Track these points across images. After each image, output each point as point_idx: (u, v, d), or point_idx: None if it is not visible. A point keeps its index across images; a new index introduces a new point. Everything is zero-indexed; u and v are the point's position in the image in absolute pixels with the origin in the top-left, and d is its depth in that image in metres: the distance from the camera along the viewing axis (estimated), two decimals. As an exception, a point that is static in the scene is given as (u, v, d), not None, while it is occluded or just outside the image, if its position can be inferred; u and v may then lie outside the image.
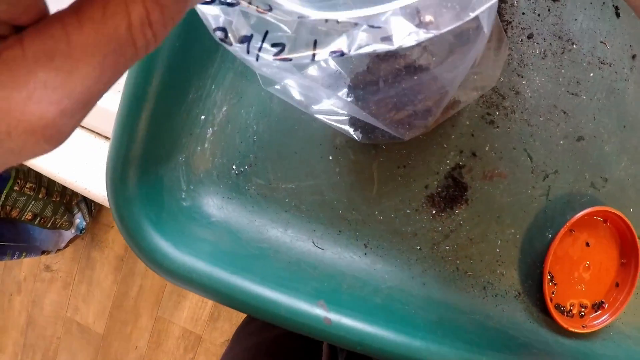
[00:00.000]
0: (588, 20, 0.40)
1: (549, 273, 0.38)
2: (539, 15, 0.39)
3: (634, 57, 0.43)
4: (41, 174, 0.78)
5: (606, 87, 0.40)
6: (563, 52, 0.38)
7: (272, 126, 0.35)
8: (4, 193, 0.69)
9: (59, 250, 0.88)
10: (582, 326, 0.39)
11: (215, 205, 0.35)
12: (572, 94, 0.38)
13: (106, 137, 0.49)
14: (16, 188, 0.71)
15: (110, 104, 0.37)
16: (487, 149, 0.36)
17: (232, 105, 0.35)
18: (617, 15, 0.43)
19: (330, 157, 0.35)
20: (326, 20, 0.19)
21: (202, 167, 0.35)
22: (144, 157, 0.32)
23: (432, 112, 0.30)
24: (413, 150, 0.35)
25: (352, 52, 0.19)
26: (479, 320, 0.34)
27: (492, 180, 0.36)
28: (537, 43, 0.38)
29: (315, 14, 0.19)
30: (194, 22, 0.31)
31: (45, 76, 0.10)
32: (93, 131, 0.47)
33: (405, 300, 0.33)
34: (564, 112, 0.38)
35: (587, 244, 0.39)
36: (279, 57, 0.20)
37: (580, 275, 0.39)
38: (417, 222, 0.35)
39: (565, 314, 0.39)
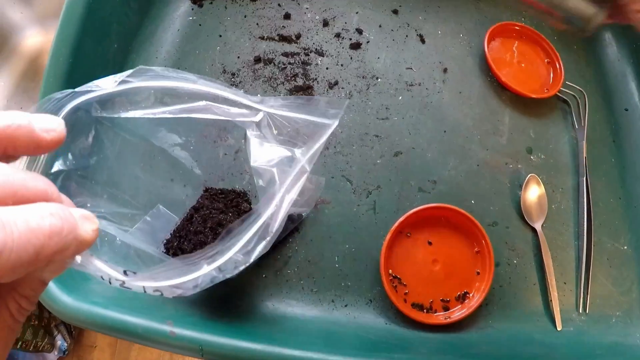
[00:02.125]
0: (392, 54, 0.57)
1: (396, 276, 0.50)
2: (342, 65, 0.57)
3: (445, 70, 0.59)
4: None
5: (418, 104, 0.56)
6: (368, 88, 0.55)
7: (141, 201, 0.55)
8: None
9: (44, 374, 1.08)
10: (445, 318, 0.49)
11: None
12: (382, 118, 0.54)
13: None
14: (-5, 314, 0.92)
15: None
16: (308, 181, 0.52)
17: (110, 191, 0.56)
18: (423, 41, 0.60)
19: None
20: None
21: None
22: None
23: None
24: (246, 196, 0.53)
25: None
26: (326, 327, 0.47)
27: (317, 208, 0.51)
28: (342, 87, 0.55)
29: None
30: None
31: None
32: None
33: (252, 319, 0.47)
34: (377, 136, 0.53)
35: (430, 243, 0.51)
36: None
37: (432, 272, 0.50)
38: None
39: (426, 310, 0.50)
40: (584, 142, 0.59)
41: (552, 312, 0.51)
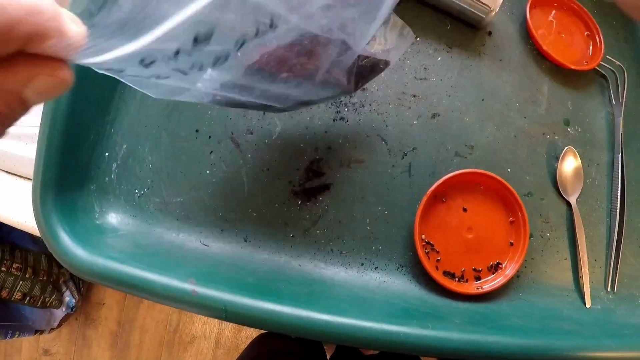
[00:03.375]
0: (432, 13, 0.53)
1: (429, 242, 0.47)
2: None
3: (489, 33, 0.54)
4: (27, 255, 0.99)
5: (457, 66, 0.51)
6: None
7: (162, 155, 0.50)
8: (-8, 275, 0.88)
9: (52, 329, 1.05)
10: (477, 288, 0.46)
11: (122, 222, 0.48)
12: (421, 78, 0.50)
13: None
14: (3, 269, 0.90)
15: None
16: (340, 141, 0.47)
17: (130, 143, 0.51)
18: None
19: (208, 172, 0.48)
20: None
21: (110, 194, 0.50)
22: (58, 186, 0.46)
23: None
24: (274, 154, 0.47)
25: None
26: (354, 292, 0.44)
27: (351, 167, 0.47)
28: (379, 44, 0.51)
29: None
30: (86, 83, 0.48)
31: None
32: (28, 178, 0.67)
33: (279, 279, 0.43)
34: (414, 96, 0.49)
35: (465, 209, 0.48)
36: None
37: (465, 240, 0.47)
38: (286, 213, 0.45)
39: (457, 279, 0.47)
40: (621, 118, 0.55)
41: (582, 289, 0.48)
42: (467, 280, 0.45)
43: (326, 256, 0.44)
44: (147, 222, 0.47)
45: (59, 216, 0.45)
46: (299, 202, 0.45)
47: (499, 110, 0.49)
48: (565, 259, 0.49)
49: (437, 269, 0.45)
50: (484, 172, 0.46)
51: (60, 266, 1.02)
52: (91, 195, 0.49)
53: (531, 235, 0.48)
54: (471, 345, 0.39)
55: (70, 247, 0.43)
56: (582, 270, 0.49)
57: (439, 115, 0.48)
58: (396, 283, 0.44)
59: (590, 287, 0.49)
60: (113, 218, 0.48)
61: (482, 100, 0.49)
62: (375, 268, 0.44)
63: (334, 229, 0.45)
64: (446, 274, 0.45)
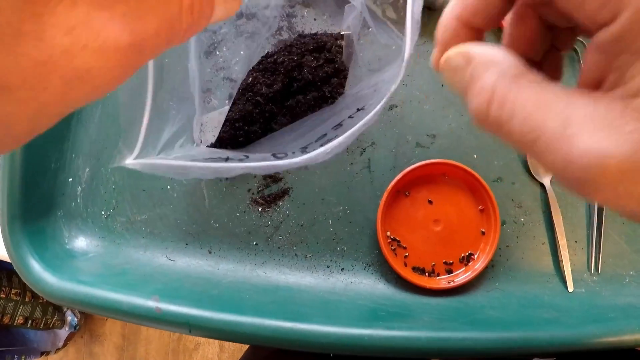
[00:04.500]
0: None
1: (395, 238, 0.46)
2: (328, 15, 0.52)
3: None
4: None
5: (413, 53, 0.50)
6: (359, 38, 0.50)
7: (125, 174, 0.50)
8: (-9, 302, 0.90)
9: (58, 349, 1.07)
10: (448, 282, 0.45)
11: (91, 244, 0.49)
12: (374, 70, 0.49)
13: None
14: (2, 295, 0.93)
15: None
16: (297, 142, 0.48)
17: (92, 165, 0.52)
18: None
19: (169, 187, 0.48)
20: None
21: (78, 217, 0.50)
22: (25, 216, 0.47)
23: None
24: (233, 161, 0.48)
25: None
26: (321, 296, 0.43)
27: (308, 169, 0.47)
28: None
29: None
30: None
31: (124, 9, 0.15)
32: None
33: (244, 289, 0.43)
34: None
35: (430, 202, 0.47)
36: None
37: (433, 234, 0.46)
38: (248, 221, 0.45)
39: (428, 274, 0.46)
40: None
41: (563, 273, 0.48)
42: (438, 275, 0.45)
43: (291, 261, 0.45)
44: (115, 242, 0.48)
45: (28, 245, 0.46)
46: (260, 210, 0.46)
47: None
48: (543, 244, 0.49)
49: (405, 265, 0.45)
50: (447, 161, 0.45)
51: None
52: (59, 221, 0.50)
53: (504, 222, 0.47)
54: (440, 343, 0.39)
55: (41, 274, 0.44)
56: (562, 253, 0.48)
57: (396, 107, 0.48)
58: (364, 283, 0.44)
59: (572, 270, 0.48)
60: (82, 241, 0.49)
61: (442, 86, 0.48)
62: (342, 269, 0.44)
63: (297, 233, 0.45)
64: (416, 269, 0.45)
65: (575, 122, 0.14)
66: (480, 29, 0.19)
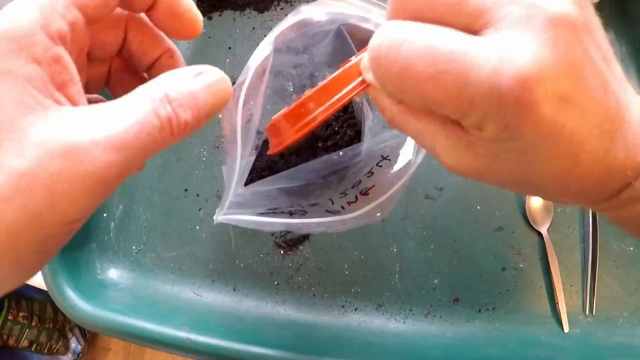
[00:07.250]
0: None
1: None
2: None
3: None
4: (32, 303, 1.06)
5: None
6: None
7: (156, 213, 0.57)
8: (-1, 322, 0.95)
9: (59, 376, 1.12)
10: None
11: (122, 276, 0.55)
12: (390, 128, 0.57)
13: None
14: (10, 317, 0.97)
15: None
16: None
17: (125, 203, 0.58)
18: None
19: (197, 227, 0.55)
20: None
21: (110, 251, 0.57)
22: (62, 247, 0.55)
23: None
24: (258, 205, 0.55)
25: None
26: (336, 333, 0.50)
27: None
28: None
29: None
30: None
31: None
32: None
33: (266, 324, 0.49)
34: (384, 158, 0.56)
35: None
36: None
37: None
38: (270, 263, 0.51)
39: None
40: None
41: (559, 314, 0.54)
42: None
43: (309, 301, 0.51)
44: (144, 275, 0.54)
45: (64, 274, 0.52)
46: (282, 253, 0.52)
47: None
48: (541, 287, 0.55)
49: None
50: None
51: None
52: (92, 253, 0.56)
53: (504, 269, 0.54)
54: (444, 379, 0.45)
55: (76, 301, 0.50)
56: (558, 296, 0.54)
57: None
58: (375, 322, 0.50)
59: (568, 311, 0.54)
60: (113, 273, 0.55)
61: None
62: (355, 309, 0.51)
63: (315, 275, 0.51)
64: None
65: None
66: None
